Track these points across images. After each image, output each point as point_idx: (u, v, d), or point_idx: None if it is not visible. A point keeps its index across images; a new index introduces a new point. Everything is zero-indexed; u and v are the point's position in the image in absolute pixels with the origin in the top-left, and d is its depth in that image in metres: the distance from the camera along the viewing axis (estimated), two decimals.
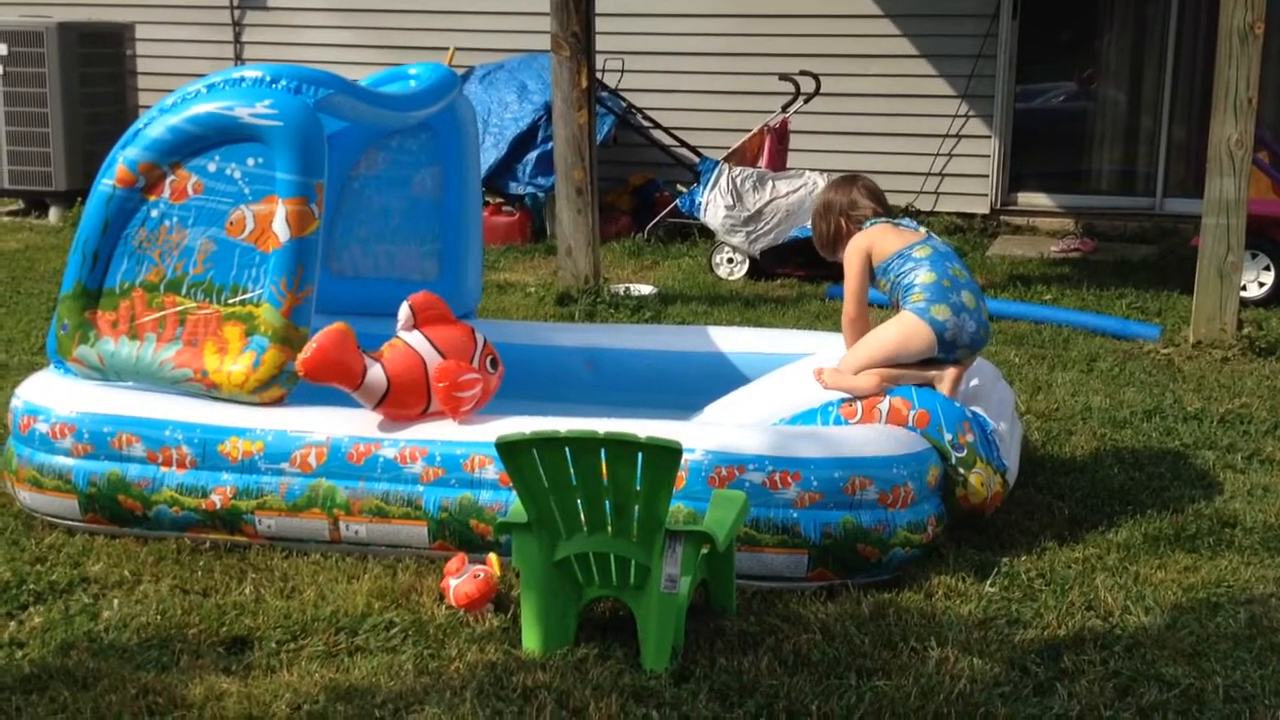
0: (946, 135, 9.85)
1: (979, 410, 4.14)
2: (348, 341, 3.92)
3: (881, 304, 4.49)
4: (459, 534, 3.90)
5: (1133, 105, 10.06)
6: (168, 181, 4.26)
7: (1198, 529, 4.17)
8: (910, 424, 4.00)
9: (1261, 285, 7.43)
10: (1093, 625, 3.55)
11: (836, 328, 4.77)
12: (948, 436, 3.99)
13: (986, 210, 9.94)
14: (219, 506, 4.04)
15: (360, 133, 5.03)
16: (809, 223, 8.07)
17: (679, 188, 9.16)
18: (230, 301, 4.17)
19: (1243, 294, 6.85)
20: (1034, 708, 3.12)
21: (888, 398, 4.04)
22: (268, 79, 4.26)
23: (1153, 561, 3.94)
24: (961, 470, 3.99)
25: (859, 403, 4.05)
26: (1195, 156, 8.99)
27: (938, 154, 9.86)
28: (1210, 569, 3.90)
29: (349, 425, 4.02)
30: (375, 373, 3.95)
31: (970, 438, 4.01)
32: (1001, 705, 3.12)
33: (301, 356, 3.91)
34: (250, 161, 4.19)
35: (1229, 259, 6.37)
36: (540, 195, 9.43)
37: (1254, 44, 6.18)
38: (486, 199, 9.47)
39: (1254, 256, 7.34)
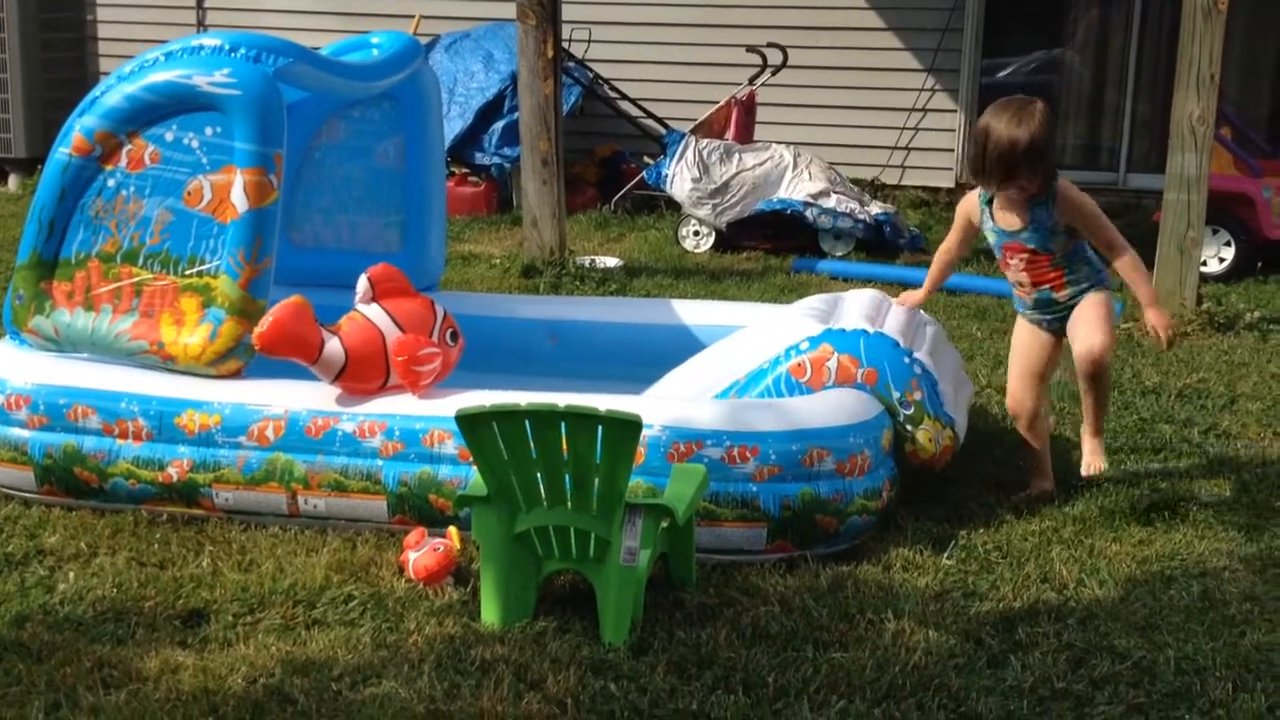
0: (912, 109, 9.85)
1: (924, 360, 4.16)
2: (305, 314, 3.90)
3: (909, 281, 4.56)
4: (418, 508, 3.89)
5: (1097, 80, 10.09)
6: (125, 150, 4.21)
7: (1153, 503, 4.21)
8: (859, 381, 4.02)
9: (1222, 261, 7.49)
10: (1048, 598, 3.58)
11: (796, 299, 4.76)
12: (896, 394, 4.02)
13: (952, 184, 9.95)
14: (176, 479, 4.01)
15: (321, 102, 4.99)
16: (776, 195, 8.20)
17: (646, 160, 9.14)
18: (187, 273, 4.14)
19: (1203, 269, 6.91)
20: (988, 679, 3.14)
21: (835, 355, 4.06)
22: (227, 47, 4.21)
23: (1108, 535, 3.98)
24: (909, 427, 4.02)
25: (807, 361, 4.06)
26: (1159, 132, 9.03)
27: (904, 128, 9.87)
28: (1164, 542, 3.94)
29: (307, 399, 4.00)
30: (333, 346, 3.93)
31: (918, 395, 4.04)
32: (956, 677, 3.14)
33: (258, 330, 3.88)
34: (208, 131, 4.15)
35: (1189, 234, 6.42)
36: (506, 166, 9.39)
37: (1217, 20, 6.21)
38: (452, 169, 9.42)
39: (1215, 232, 7.40)
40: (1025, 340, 4.35)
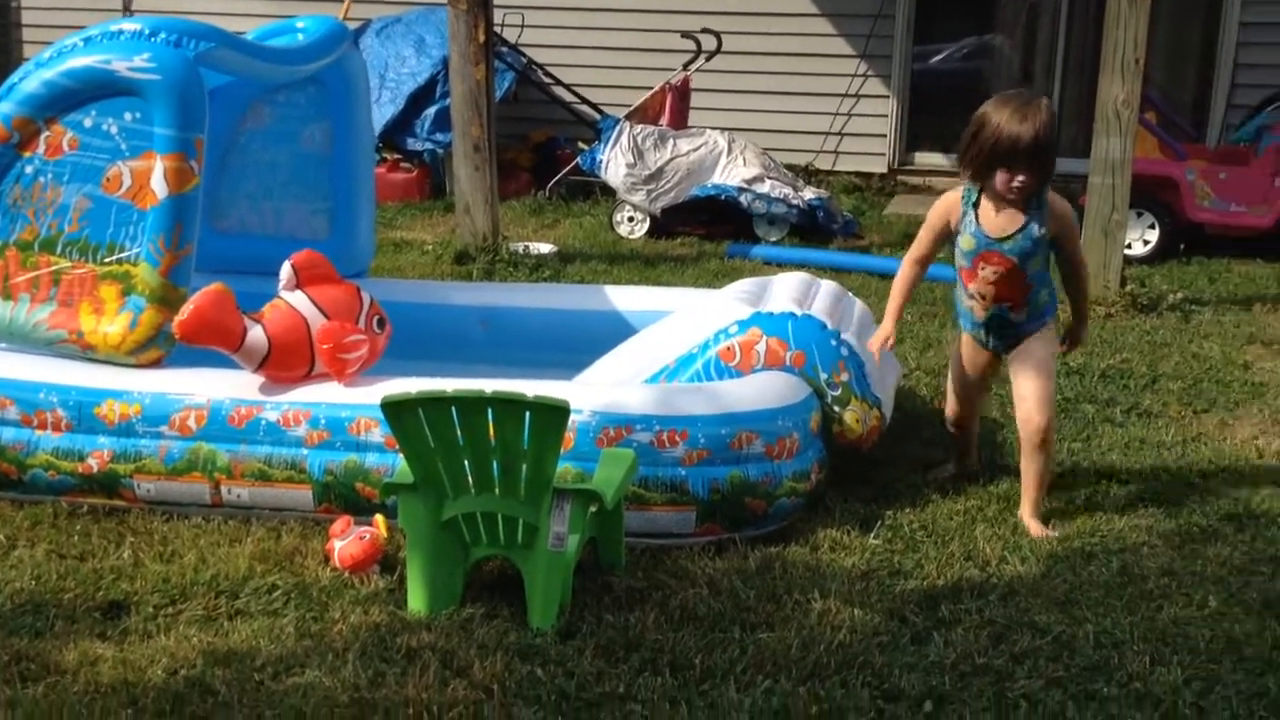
0: (846, 95, 9.91)
1: (851, 341, 4.19)
2: (226, 302, 3.85)
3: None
4: (345, 497, 3.86)
5: (1026, 66, 10.20)
6: (43, 137, 4.14)
7: (1075, 480, 4.27)
8: (787, 364, 4.04)
9: (1146, 244, 7.60)
10: (970, 575, 3.63)
11: (730, 285, 4.77)
12: (823, 376, 4.05)
13: (885, 170, 10.03)
14: (96, 470, 3.95)
15: (245, 87, 4.93)
16: (711, 180, 8.21)
17: (580, 145, 9.12)
18: (106, 260, 4.07)
19: (1127, 252, 7.01)
20: (911, 656, 3.18)
21: (764, 338, 4.07)
22: (146, 32, 4.15)
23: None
24: (837, 408, 4.05)
25: (736, 345, 4.08)
26: (1086, 116, 9.14)
27: (837, 113, 9.93)
28: (1085, 519, 4.00)
29: (230, 388, 3.96)
30: (255, 334, 3.89)
31: (845, 376, 4.07)
32: (879, 654, 3.17)
33: (178, 318, 3.83)
34: (128, 116, 4.09)
35: (1114, 217, 6.51)
36: (439, 151, 9.33)
37: (1142, 5, 6.29)
38: (384, 155, 9.35)
39: (1139, 215, 7.51)
40: (970, 358, 4.15)
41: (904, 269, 4.09)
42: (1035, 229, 3.82)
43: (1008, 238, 3.83)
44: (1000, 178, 3.74)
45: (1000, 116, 3.69)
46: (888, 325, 4.00)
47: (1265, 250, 7.55)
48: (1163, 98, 8.72)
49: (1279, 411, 5.06)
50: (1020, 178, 3.71)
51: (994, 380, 4.29)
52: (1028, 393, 3.92)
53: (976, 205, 3.87)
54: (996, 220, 3.84)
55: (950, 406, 4.28)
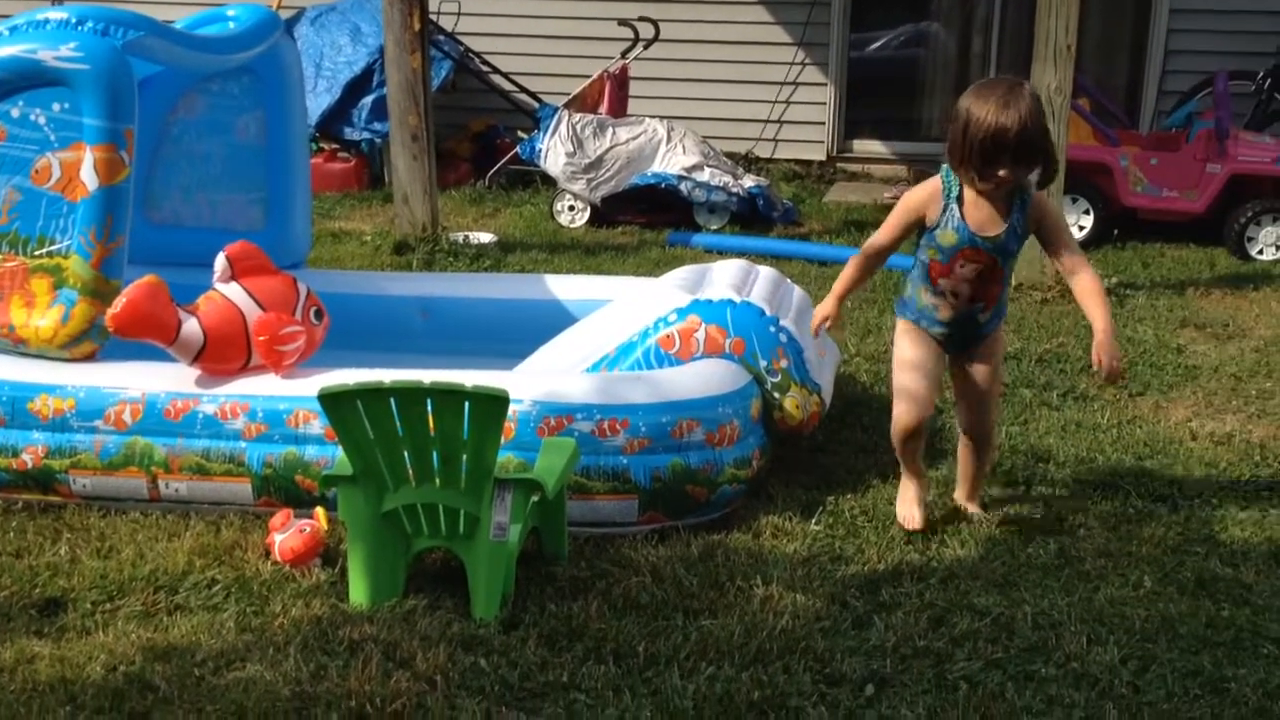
0: (784, 83, 9.94)
1: (790, 327, 4.21)
2: (160, 294, 3.80)
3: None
4: (284, 490, 3.83)
5: (962, 53, 10.28)
6: None
7: (1013, 464, 4.33)
8: (727, 351, 4.06)
9: (1081, 229, 7.69)
10: (910, 559, 3.66)
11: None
12: (763, 363, 4.07)
13: (823, 157, 10.08)
14: (30, 466, 3.89)
15: (176, 76, 4.86)
16: (651, 169, 8.21)
17: (520, 134, 9.08)
18: (37, 253, 4.00)
19: None
20: (852, 640, 3.21)
21: (703, 326, 4.08)
22: (73, 21, 4.08)
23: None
24: (777, 395, 4.07)
25: (676, 333, 4.08)
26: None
27: (775, 101, 9.96)
28: (1023, 501, 4.05)
29: (166, 381, 3.91)
30: (190, 327, 3.84)
31: (784, 362, 4.09)
32: (821, 639, 3.20)
33: (111, 311, 3.77)
34: (56, 107, 4.01)
35: None
36: (377, 141, 9.24)
37: None
38: (321, 145, 9.26)
39: (1074, 201, 7.60)
40: (923, 354, 3.80)
41: (860, 257, 3.83)
42: (1018, 224, 3.62)
43: (996, 234, 3.60)
44: (990, 172, 3.51)
45: (983, 109, 3.43)
46: (828, 304, 3.80)
47: (1197, 235, 7.68)
48: (1096, 84, 8.82)
49: (1212, 394, 5.15)
50: (1004, 171, 3.47)
51: (943, 374, 3.97)
52: (981, 395, 3.83)
53: (960, 199, 3.61)
54: (980, 216, 3.60)
55: (904, 417, 3.79)
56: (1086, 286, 3.61)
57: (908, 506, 3.89)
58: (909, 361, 3.82)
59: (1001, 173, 3.47)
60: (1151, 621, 3.31)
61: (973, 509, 3.96)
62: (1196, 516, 3.96)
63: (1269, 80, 8.53)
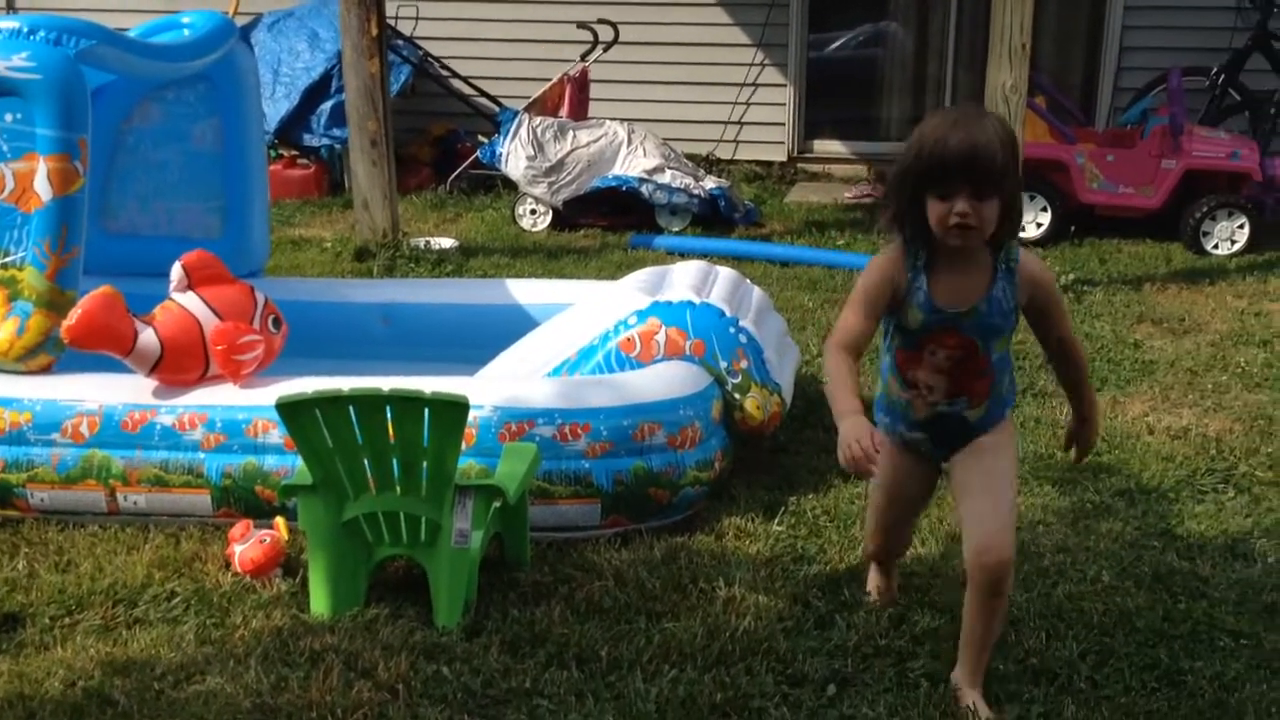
0: (744, 84, 9.96)
1: (749, 328, 4.22)
2: (116, 305, 3.77)
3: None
4: (244, 501, 3.81)
5: (920, 53, 10.34)
6: None
7: None
8: (687, 353, 4.07)
9: (1039, 226, 7.76)
10: None
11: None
12: (723, 364, 4.08)
13: (784, 158, 10.11)
14: None
15: (130, 85, 4.83)
16: (612, 172, 8.21)
17: (480, 139, 9.06)
18: None
19: (1020, 234, 7.12)
20: (814, 640, 3.22)
21: (663, 328, 4.09)
22: (25, 30, 4.05)
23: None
24: (738, 395, 4.08)
25: (636, 335, 4.09)
26: (978, 102, 9.30)
27: (736, 102, 9.98)
28: None
29: (123, 392, 3.88)
30: (147, 337, 3.82)
31: (744, 364, 4.11)
32: (784, 640, 3.21)
33: (67, 322, 3.74)
34: (8, 117, 3.99)
35: None
36: (336, 147, 9.20)
37: None
38: (280, 152, 9.21)
39: (1031, 198, 7.66)
40: (898, 471, 3.12)
41: (835, 360, 2.83)
42: (1004, 296, 2.84)
43: (967, 310, 2.84)
44: (934, 210, 2.72)
45: (928, 125, 2.76)
46: (861, 428, 2.65)
47: (1153, 230, 7.75)
48: (1051, 82, 8.89)
49: (1168, 388, 5.20)
50: (960, 205, 2.69)
51: (931, 497, 3.36)
52: (984, 512, 2.89)
53: (928, 268, 2.84)
54: (953, 286, 2.83)
55: (870, 539, 3.36)
56: (1079, 375, 3.06)
57: (872, 584, 3.46)
58: (882, 485, 3.21)
59: (959, 208, 2.69)
60: (1109, 616, 3.35)
61: (972, 698, 2.96)
62: (1153, 510, 4.00)
63: (1222, 76, 8.63)
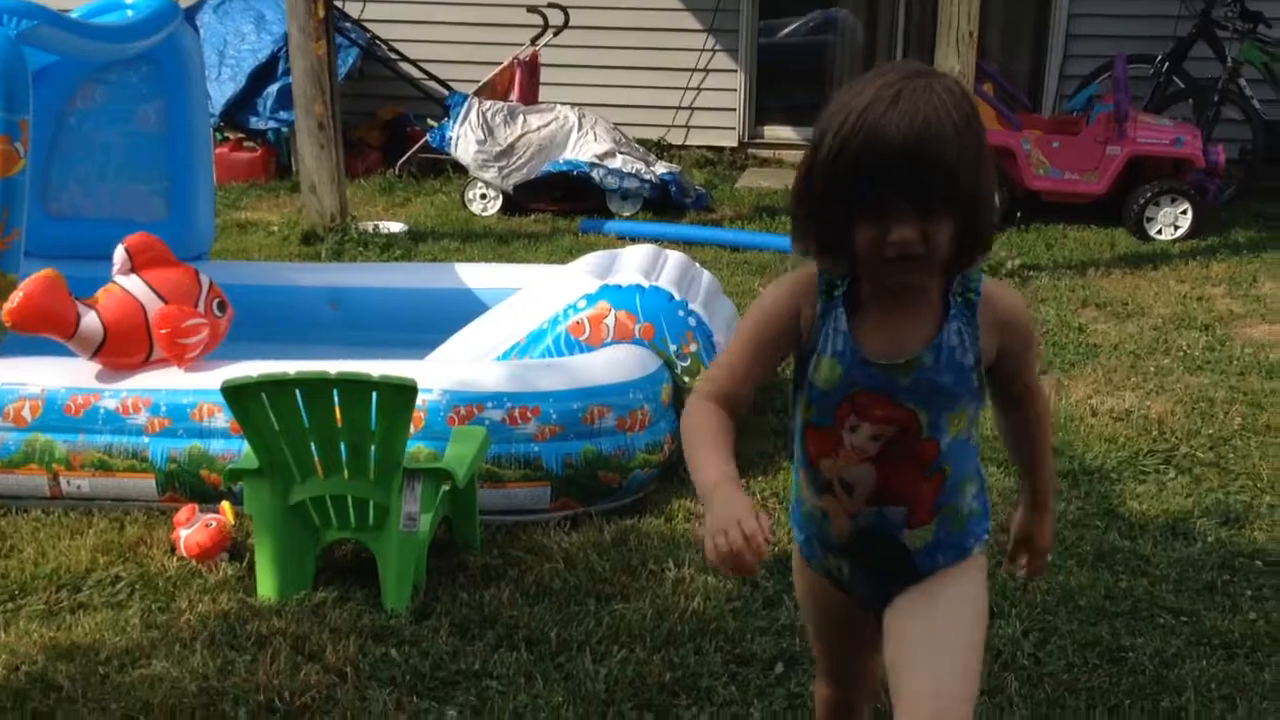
0: (694, 69, 9.97)
1: (699, 311, 4.23)
2: (58, 288, 3.73)
3: None
4: (190, 485, 3.78)
5: (869, 40, 10.39)
6: None
7: None
8: (637, 336, 4.08)
9: None
10: None
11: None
12: (672, 347, 4.10)
13: (735, 144, 10.13)
14: None
15: (73, 66, 4.76)
16: (563, 156, 8.20)
17: (430, 122, 9.00)
18: None
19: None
20: (763, 620, 3.25)
21: (613, 312, 4.10)
22: None
23: None
24: (686, 379, 4.10)
25: (586, 319, 4.09)
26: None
27: (687, 88, 9.98)
28: None
29: (65, 376, 3.84)
30: (90, 320, 3.77)
31: (694, 347, 4.12)
32: (733, 619, 3.23)
33: (8, 306, 3.69)
34: None
35: None
36: (283, 130, 9.11)
37: None
38: (227, 134, 9.11)
39: None
40: (839, 605, 2.17)
41: (701, 413, 1.99)
42: (959, 343, 1.94)
43: (905, 362, 1.94)
44: (863, 235, 1.84)
45: (851, 99, 1.83)
46: (744, 510, 1.79)
47: (1099, 216, 7.84)
48: (998, 69, 8.96)
49: (1112, 371, 5.27)
50: (900, 230, 1.80)
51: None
52: (932, 687, 1.94)
53: (850, 300, 1.96)
54: (885, 326, 1.95)
55: (818, 675, 2.41)
56: (1038, 438, 2.14)
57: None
58: (810, 622, 2.33)
59: (897, 234, 1.81)
60: (1052, 594, 3.39)
61: None
62: (1096, 491, 4.06)
63: (1167, 64, 8.74)
